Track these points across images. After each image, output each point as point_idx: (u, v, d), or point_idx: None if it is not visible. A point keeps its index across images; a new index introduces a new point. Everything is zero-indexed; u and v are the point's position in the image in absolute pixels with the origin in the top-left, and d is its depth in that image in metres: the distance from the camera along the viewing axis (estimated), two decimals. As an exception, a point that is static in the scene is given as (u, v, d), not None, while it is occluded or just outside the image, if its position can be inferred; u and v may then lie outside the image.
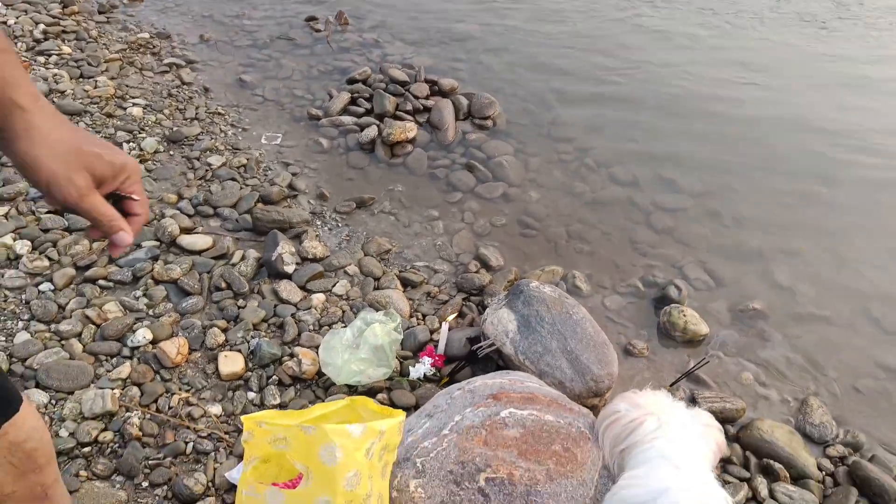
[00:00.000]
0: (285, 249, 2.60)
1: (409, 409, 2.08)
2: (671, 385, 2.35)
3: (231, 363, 2.14)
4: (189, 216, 2.82)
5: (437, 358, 2.26)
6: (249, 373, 2.15)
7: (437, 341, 2.31)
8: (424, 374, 2.21)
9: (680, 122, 4.04)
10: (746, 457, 2.13)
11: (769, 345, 2.62)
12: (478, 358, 2.20)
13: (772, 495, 2.00)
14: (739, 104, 4.27)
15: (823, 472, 2.13)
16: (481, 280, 2.69)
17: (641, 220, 3.25)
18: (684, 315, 2.57)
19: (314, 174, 3.35)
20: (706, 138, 3.89)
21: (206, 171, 3.15)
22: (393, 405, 2.11)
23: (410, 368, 2.22)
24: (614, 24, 5.39)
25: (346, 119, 3.73)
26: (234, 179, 3.13)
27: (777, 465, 2.07)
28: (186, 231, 2.71)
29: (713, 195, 3.44)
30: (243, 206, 2.94)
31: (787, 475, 2.06)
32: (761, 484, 2.02)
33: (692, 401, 2.31)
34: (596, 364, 2.14)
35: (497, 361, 2.25)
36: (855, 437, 2.26)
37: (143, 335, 2.17)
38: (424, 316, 2.51)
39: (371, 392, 2.13)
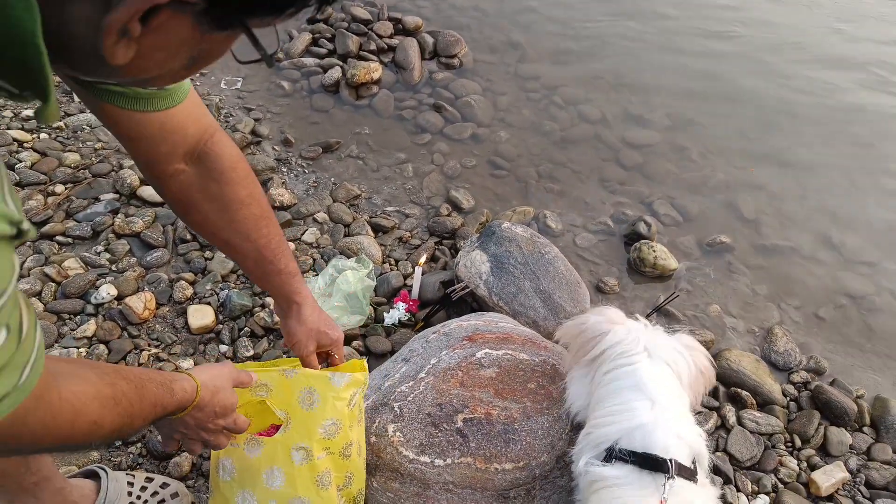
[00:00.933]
0: (251, 198, 2.53)
1: (384, 355, 2.08)
2: (642, 320, 2.39)
3: (201, 316, 2.10)
4: (148, 167, 2.71)
5: (411, 303, 2.25)
6: (220, 325, 2.12)
7: (411, 286, 2.30)
8: (399, 320, 2.21)
9: (646, 58, 3.98)
10: (715, 386, 2.19)
11: (735, 277, 2.68)
12: (452, 301, 2.20)
13: (739, 422, 2.07)
14: (705, 39, 4.22)
15: (788, 398, 2.21)
16: (453, 223, 2.67)
17: (610, 158, 3.23)
18: (654, 251, 2.60)
19: (277, 119, 3.24)
20: (672, 73, 3.85)
21: (163, 119, 3.02)
22: (369, 352, 2.11)
23: (385, 314, 2.21)
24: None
25: (308, 60, 3.59)
26: (193, 127, 3.01)
27: (744, 393, 2.14)
28: (147, 182, 2.61)
29: (680, 130, 3.44)
30: (204, 154, 2.84)
31: (754, 402, 2.14)
32: (729, 412, 2.09)
33: (662, 334, 2.36)
34: (568, 302, 2.15)
35: (471, 304, 2.25)
36: (817, 362, 2.34)
37: (107, 291, 2.11)
38: (397, 261, 2.49)
39: (346, 340, 2.11)
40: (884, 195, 3.14)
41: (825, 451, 2.06)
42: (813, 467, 1.99)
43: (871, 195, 3.13)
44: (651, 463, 1.23)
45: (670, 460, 1.22)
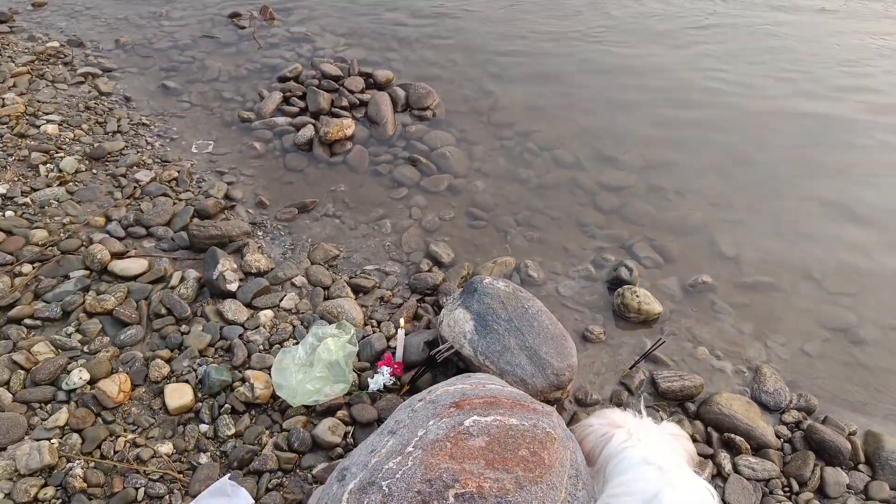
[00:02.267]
0: (226, 266, 2.49)
1: (371, 424, 2.02)
2: (630, 368, 2.37)
3: (179, 395, 2.04)
4: (119, 239, 2.67)
5: (395, 366, 2.20)
6: (200, 403, 2.05)
7: (395, 348, 2.26)
8: (384, 385, 2.16)
9: (616, 98, 4.05)
10: (708, 433, 2.16)
11: (720, 317, 2.66)
12: (437, 362, 2.16)
13: (735, 469, 2.03)
14: (672, 78, 4.32)
15: (781, 440, 2.18)
16: (434, 279, 2.64)
17: (588, 202, 3.25)
18: (637, 296, 2.58)
19: (251, 181, 3.22)
20: (642, 113, 3.91)
21: (135, 188, 2.98)
22: (354, 421, 2.05)
23: (369, 380, 2.16)
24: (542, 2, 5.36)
25: (280, 120, 3.60)
26: (165, 195, 2.97)
27: (738, 439, 2.10)
28: (118, 256, 2.56)
29: (655, 169, 3.47)
30: (178, 222, 2.80)
31: (748, 447, 2.10)
32: (725, 459, 2.05)
33: (652, 382, 2.33)
34: (555, 357, 2.12)
35: (457, 363, 2.21)
36: (807, 400, 2.31)
37: (79, 376, 2.04)
38: (379, 322, 2.45)
39: (330, 410, 2.06)
40: (859, 224, 3.17)
41: (823, 494, 2.02)
42: (813, 512, 1.95)
43: (848, 226, 3.16)
44: None
45: None
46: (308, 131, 3.45)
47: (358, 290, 2.59)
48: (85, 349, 2.18)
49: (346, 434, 2.01)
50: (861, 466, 2.11)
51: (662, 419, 1.64)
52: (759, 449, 2.13)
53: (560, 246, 2.96)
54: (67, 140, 3.24)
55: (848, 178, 3.46)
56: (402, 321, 2.28)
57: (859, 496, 2.02)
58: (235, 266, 2.53)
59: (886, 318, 2.68)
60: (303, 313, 2.43)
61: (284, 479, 1.89)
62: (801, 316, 2.69)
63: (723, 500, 1.95)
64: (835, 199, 3.31)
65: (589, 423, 1.60)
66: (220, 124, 3.62)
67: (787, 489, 2.02)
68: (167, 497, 1.78)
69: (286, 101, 3.75)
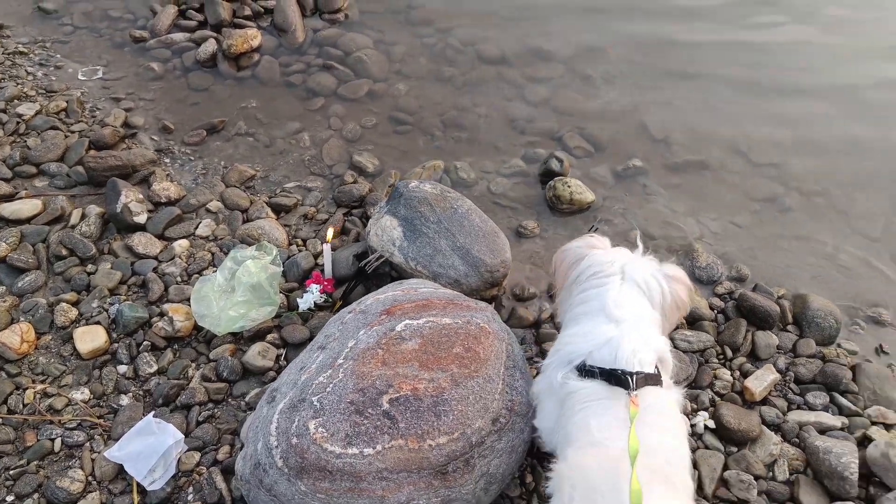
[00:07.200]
0: (130, 198, 2.29)
1: (303, 344, 1.93)
2: (566, 259, 2.32)
3: (90, 338, 1.89)
4: (6, 180, 2.42)
5: (325, 283, 2.10)
6: (115, 344, 1.91)
7: (323, 265, 2.15)
8: (315, 303, 2.06)
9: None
10: (646, 313, 2.16)
11: (652, 199, 2.64)
12: (368, 274, 2.07)
13: (673, 344, 2.04)
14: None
15: (715, 311, 2.20)
16: (360, 190, 2.51)
17: (515, 96, 3.11)
18: (569, 186, 2.52)
19: (152, 105, 2.95)
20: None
21: (18, 123, 2.69)
22: (286, 343, 1.95)
23: (298, 300, 2.05)
24: None
25: (178, 36, 3.28)
26: (55, 128, 2.70)
27: (674, 315, 2.11)
28: (6, 198, 2.33)
29: (582, 57, 3.34)
30: (72, 156, 2.55)
31: (684, 321, 2.11)
32: (662, 336, 2.05)
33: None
34: (488, 254, 2.05)
35: (391, 273, 2.12)
36: (739, 270, 2.34)
37: (-25, 329, 1.87)
38: (305, 241, 2.32)
39: (259, 334, 1.96)
40: (782, 95, 3.15)
41: (755, 357, 2.06)
42: (745, 374, 1.99)
43: (771, 97, 3.14)
44: (616, 379, 1.25)
45: (632, 376, 1.23)
46: (210, 46, 3.16)
47: (279, 210, 2.43)
48: (-20, 301, 2.00)
49: (277, 357, 1.92)
50: (790, 327, 2.16)
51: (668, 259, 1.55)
52: (694, 322, 2.15)
53: (490, 144, 2.85)
54: (-67, 77, 2.88)
55: (770, 51, 3.42)
56: (328, 235, 2.16)
57: (788, 355, 2.07)
58: (142, 197, 2.33)
59: (809, 184, 2.71)
60: (221, 239, 2.28)
61: (216, 409, 1.80)
62: (730, 190, 2.69)
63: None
64: (756, 73, 3.27)
65: (567, 246, 1.58)
66: (111, 47, 3.28)
67: (721, 357, 2.05)
68: (88, 444, 1.67)
69: (182, 14, 3.42)
